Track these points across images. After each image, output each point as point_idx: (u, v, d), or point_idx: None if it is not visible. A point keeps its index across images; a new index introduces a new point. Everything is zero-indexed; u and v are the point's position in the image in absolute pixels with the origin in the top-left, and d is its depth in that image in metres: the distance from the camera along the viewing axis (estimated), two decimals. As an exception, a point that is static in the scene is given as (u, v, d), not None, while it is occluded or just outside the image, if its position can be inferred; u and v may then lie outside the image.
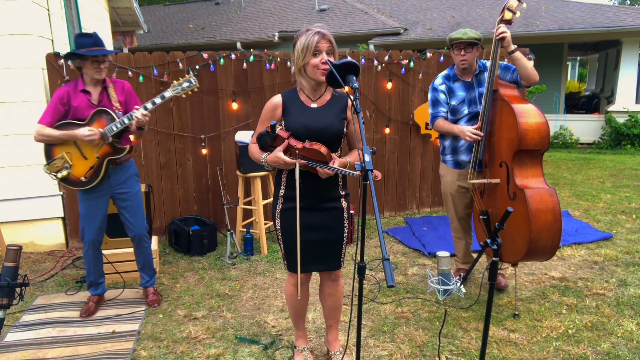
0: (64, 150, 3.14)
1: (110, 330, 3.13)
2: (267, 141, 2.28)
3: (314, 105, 2.39)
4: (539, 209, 2.86)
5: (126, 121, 3.08)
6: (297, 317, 2.72)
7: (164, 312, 3.38)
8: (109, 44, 7.80)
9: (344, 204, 2.51)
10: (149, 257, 3.53)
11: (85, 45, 3.05)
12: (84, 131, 3.05)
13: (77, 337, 3.07)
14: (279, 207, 2.48)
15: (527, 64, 3.08)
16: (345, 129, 2.43)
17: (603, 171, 7.85)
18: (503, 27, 3.04)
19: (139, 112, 3.04)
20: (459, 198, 3.54)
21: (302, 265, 2.46)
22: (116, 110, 3.15)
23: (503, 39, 3.04)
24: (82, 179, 3.16)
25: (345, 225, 2.51)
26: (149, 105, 3.10)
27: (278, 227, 2.49)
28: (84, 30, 6.20)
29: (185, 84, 3.15)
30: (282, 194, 2.46)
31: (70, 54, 3.13)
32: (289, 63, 4.93)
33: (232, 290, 3.70)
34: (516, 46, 3.13)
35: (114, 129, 3.08)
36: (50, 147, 3.16)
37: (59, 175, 3.14)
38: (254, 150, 2.43)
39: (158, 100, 3.11)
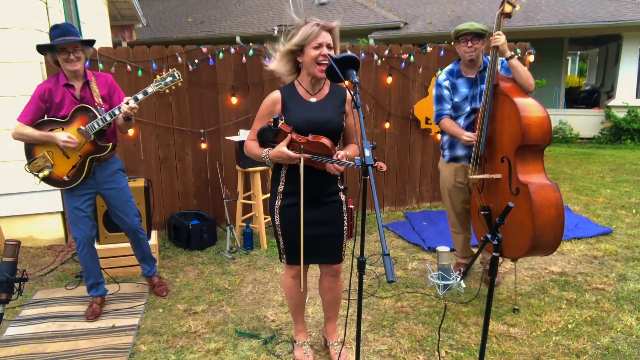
0: (45, 149, 3.01)
1: (110, 325, 3.13)
2: (269, 136, 2.25)
3: (313, 100, 2.38)
4: (543, 204, 2.85)
5: (108, 118, 2.96)
6: (297, 311, 2.72)
7: (164, 306, 3.38)
8: (107, 38, 7.74)
9: (343, 197, 2.51)
10: (147, 248, 3.51)
11: (54, 37, 2.90)
12: (62, 136, 2.93)
13: (77, 331, 3.07)
14: (277, 203, 2.47)
15: (523, 73, 3.08)
16: (343, 123, 2.42)
17: (603, 166, 7.85)
18: (497, 36, 3.06)
19: (125, 107, 2.91)
20: (456, 193, 3.53)
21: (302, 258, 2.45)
22: (98, 107, 3.01)
23: (497, 47, 3.06)
24: (65, 178, 3.04)
25: (345, 218, 2.51)
26: (132, 102, 2.95)
27: (277, 223, 2.48)
28: (81, 23, 6.17)
29: (169, 79, 3.04)
30: (281, 189, 2.45)
31: (38, 47, 2.97)
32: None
33: (232, 285, 3.70)
34: (512, 53, 3.13)
35: (96, 126, 2.96)
36: (32, 145, 3.03)
37: (41, 174, 3.01)
38: (252, 146, 2.41)
39: (140, 96, 2.98)
